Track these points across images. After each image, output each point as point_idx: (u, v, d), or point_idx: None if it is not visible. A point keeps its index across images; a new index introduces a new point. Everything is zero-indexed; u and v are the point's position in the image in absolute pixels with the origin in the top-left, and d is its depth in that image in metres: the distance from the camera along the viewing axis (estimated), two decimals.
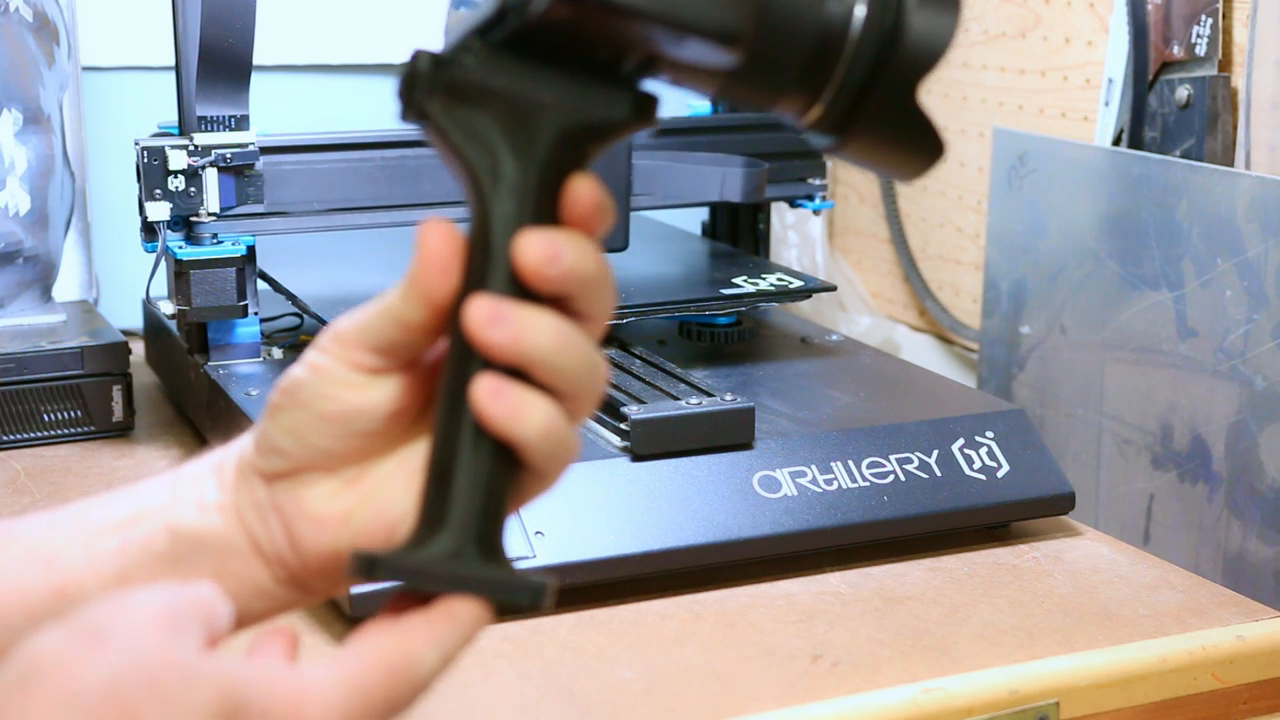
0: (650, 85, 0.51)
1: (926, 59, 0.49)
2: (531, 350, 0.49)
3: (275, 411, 0.53)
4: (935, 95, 1.47)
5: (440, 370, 0.51)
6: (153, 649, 0.44)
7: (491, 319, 0.48)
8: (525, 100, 0.50)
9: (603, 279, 0.50)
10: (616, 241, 1.13)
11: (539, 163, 0.50)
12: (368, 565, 0.48)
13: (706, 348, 1.16)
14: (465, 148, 0.50)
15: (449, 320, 0.50)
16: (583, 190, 0.50)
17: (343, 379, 0.52)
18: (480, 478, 0.49)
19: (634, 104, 0.51)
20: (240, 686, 0.45)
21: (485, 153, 0.50)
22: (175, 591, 0.47)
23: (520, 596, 0.49)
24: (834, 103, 0.50)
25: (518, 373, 0.49)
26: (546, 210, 0.50)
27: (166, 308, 1.13)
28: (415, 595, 0.50)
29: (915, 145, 0.51)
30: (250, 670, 0.46)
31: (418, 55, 0.50)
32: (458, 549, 0.49)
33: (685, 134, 1.23)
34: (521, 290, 0.49)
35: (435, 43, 0.51)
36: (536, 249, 0.49)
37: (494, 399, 0.48)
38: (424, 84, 0.50)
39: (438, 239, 0.50)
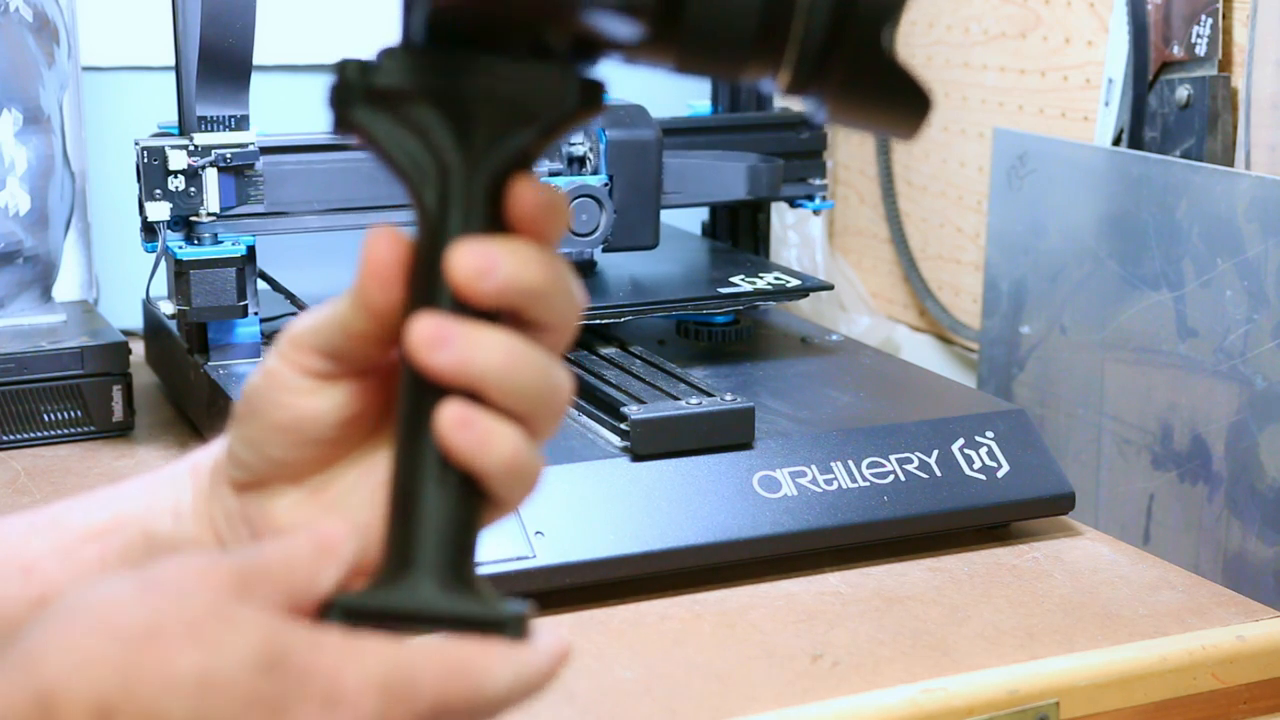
0: (602, 68, 0.47)
1: (889, 5, 0.46)
2: (482, 372, 0.45)
3: (237, 422, 0.52)
4: (935, 95, 1.46)
5: (395, 378, 0.48)
6: (201, 597, 0.43)
7: (434, 341, 0.45)
8: (454, 98, 0.46)
9: (553, 287, 0.47)
10: (647, 240, 1.14)
11: (476, 165, 0.45)
12: (335, 609, 0.46)
13: (706, 347, 1.16)
14: (398, 156, 0.46)
15: (397, 331, 0.46)
16: (525, 193, 0.46)
17: (293, 385, 0.50)
18: (447, 510, 0.46)
19: (576, 92, 0.46)
20: (285, 639, 0.43)
21: (418, 159, 0.46)
22: (248, 556, 0.46)
23: (500, 629, 0.46)
24: (800, 63, 0.46)
25: (471, 395, 0.45)
26: (490, 216, 0.46)
27: (166, 308, 1.13)
28: None
29: (897, 99, 0.48)
30: (299, 627, 0.44)
31: (344, 64, 0.46)
32: (428, 587, 0.46)
33: (685, 134, 1.23)
34: (468, 304, 0.45)
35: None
36: (468, 262, 0.45)
37: (462, 430, 0.45)
38: (350, 93, 0.46)
39: (379, 249, 0.47)
